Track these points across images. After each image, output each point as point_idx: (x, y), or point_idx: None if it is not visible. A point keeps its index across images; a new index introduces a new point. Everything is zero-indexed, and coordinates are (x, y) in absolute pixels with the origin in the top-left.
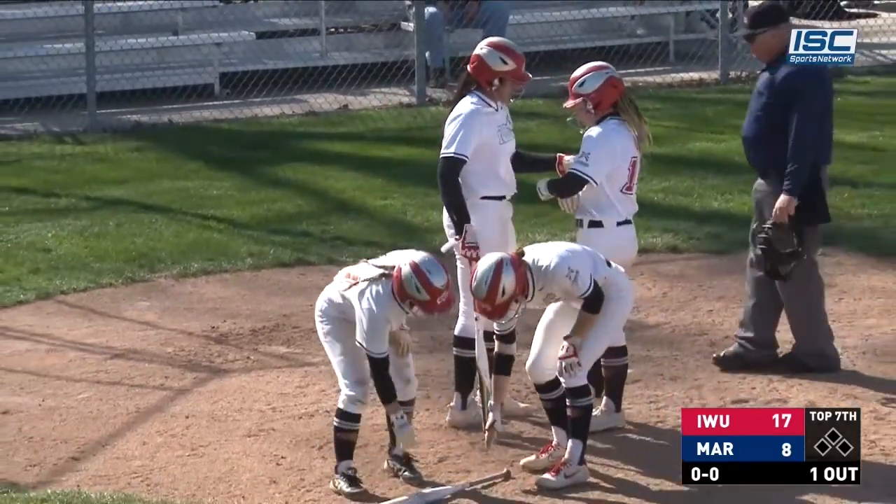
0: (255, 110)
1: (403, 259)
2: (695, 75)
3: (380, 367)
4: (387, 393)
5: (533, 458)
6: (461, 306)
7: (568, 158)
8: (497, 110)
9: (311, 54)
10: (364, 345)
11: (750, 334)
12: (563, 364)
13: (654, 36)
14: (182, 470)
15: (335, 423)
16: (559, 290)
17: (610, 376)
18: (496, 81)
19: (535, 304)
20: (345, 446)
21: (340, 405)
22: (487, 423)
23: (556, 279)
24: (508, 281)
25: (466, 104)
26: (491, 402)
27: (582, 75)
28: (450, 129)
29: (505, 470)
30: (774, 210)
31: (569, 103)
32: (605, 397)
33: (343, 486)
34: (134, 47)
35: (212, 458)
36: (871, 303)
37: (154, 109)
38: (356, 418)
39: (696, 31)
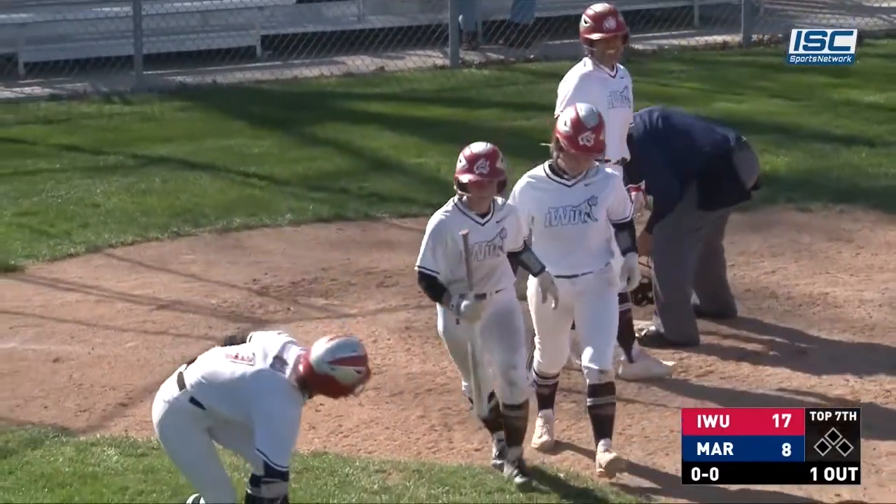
0: (296, 72)
1: (277, 343)
2: (718, 38)
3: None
4: None
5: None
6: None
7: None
8: (613, 77)
9: (349, 18)
10: (268, 454)
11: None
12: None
13: (679, 0)
14: None
15: None
16: (611, 195)
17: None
18: (588, 46)
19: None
20: None
21: None
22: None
23: (620, 186)
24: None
25: (577, 69)
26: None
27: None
28: (561, 92)
29: None
30: None
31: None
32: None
33: None
34: (179, 10)
35: None
36: (888, 257)
37: (198, 71)
38: None
39: None
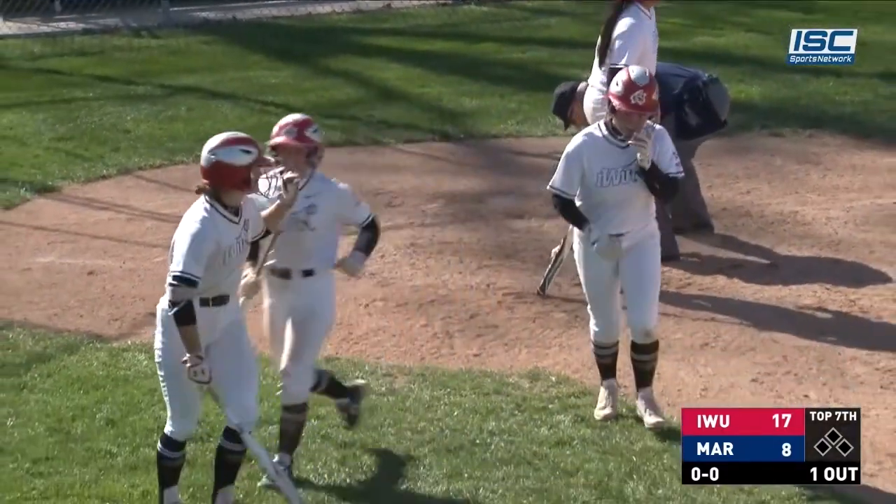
0: (310, 8)
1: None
2: None
3: (187, 291)
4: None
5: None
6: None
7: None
8: (650, 18)
9: None
10: (172, 265)
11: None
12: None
13: None
14: (247, 323)
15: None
16: (659, 150)
17: None
18: None
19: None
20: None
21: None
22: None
23: (668, 143)
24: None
25: (628, 20)
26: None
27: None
28: (618, 43)
29: None
30: None
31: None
32: None
33: None
34: None
35: None
36: (852, 179)
37: (220, 7)
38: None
39: None
